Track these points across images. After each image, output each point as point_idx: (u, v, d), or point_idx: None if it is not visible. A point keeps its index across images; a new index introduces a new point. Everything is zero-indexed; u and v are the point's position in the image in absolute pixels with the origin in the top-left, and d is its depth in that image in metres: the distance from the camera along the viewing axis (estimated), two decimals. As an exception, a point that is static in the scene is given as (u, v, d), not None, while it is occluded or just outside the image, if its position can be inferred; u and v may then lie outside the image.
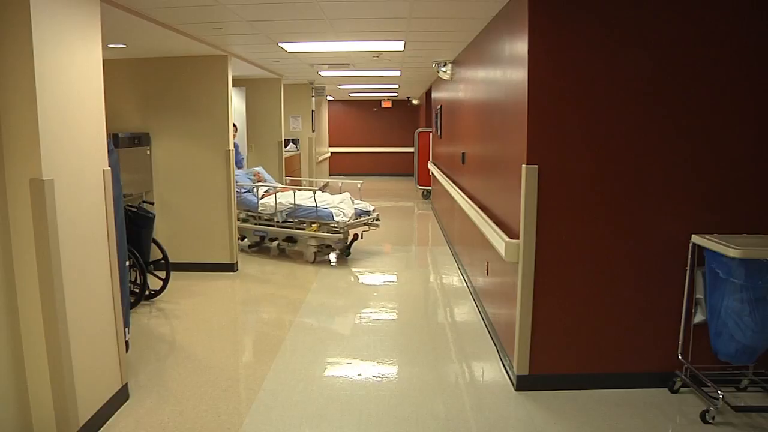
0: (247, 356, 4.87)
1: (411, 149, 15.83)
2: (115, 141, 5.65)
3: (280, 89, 9.93)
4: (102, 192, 3.57)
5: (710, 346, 3.79)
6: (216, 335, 5.13)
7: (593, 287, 3.94)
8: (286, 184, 9.37)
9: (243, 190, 8.06)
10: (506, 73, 4.49)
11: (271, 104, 9.86)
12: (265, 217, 7.99)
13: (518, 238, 3.91)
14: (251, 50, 6.94)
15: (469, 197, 6.02)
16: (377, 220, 7.97)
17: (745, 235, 3.77)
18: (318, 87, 11.98)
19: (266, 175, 8.85)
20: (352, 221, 7.52)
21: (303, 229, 7.60)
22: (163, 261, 6.04)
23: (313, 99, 12.17)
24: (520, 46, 3.95)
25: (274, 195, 7.97)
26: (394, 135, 18.63)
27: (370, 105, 18.53)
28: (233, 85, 7.32)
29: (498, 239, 4.21)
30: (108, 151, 3.69)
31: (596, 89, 3.78)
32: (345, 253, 7.75)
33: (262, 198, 7.98)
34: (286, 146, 10.73)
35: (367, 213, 7.91)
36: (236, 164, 7.88)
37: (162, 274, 6.03)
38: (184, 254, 6.92)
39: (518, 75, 4.01)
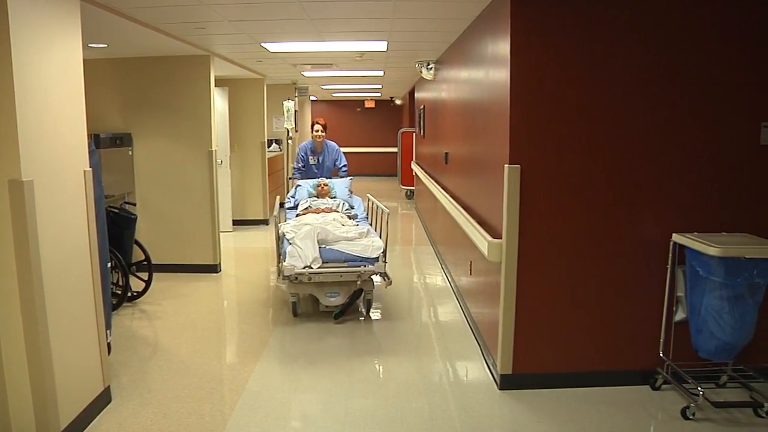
0: (230, 358, 4.85)
1: (394, 149, 15.83)
2: (96, 141, 5.59)
3: (263, 89, 9.89)
4: (83, 193, 3.54)
5: (691, 344, 3.83)
6: (199, 337, 5.10)
7: (576, 286, 3.97)
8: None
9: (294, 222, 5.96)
10: (489, 73, 4.51)
11: (254, 104, 9.82)
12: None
13: (501, 238, 3.93)
14: (234, 50, 6.91)
15: (452, 197, 6.03)
16: (385, 275, 5.35)
17: (725, 233, 3.81)
18: (301, 87, 11.95)
19: (339, 189, 6.95)
20: (315, 271, 5.07)
21: None
22: (145, 262, 5.99)
23: (296, 99, 12.13)
24: (502, 47, 3.97)
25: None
26: (378, 135, 18.64)
27: (354, 105, 18.53)
28: (216, 85, 7.28)
29: (481, 239, 4.22)
30: (89, 152, 3.66)
31: (578, 90, 3.81)
32: (334, 314, 5.42)
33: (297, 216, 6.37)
34: (269, 146, 10.69)
35: (368, 261, 5.22)
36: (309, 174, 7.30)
37: (144, 275, 5.99)
38: (166, 255, 6.87)
39: (500, 75, 4.03)
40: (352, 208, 6.65)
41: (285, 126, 10.52)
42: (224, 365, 4.63)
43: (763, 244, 3.58)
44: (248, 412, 3.75)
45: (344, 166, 7.44)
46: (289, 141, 10.47)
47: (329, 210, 6.27)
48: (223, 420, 3.64)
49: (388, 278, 5.35)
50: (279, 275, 5.45)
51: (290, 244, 5.24)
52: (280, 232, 5.74)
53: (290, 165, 10.86)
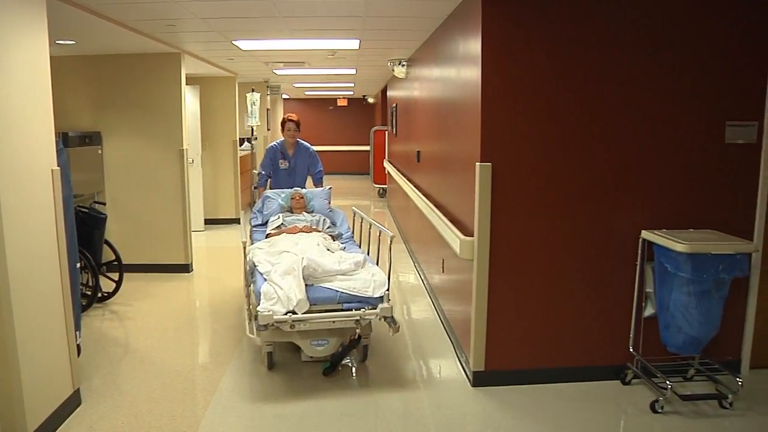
0: (203, 358, 4.81)
1: (367, 147, 15.83)
2: (64, 140, 5.50)
3: (235, 87, 9.82)
4: (51, 192, 3.49)
5: (660, 339, 3.90)
6: (171, 337, 5.05)
7: (547, 283, 4.01)
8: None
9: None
10: (460, 71, 4.53)
11: (226, 103, 9.74)
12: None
13: (473, 236, 3.95)
14: (205, 48, 6.85)
15: (424, 195, 6.05)
16: (392, 321, 4.05)
17: (692, 230, 3.88)
18: (273, 85, 11.89)
19: (317, 201, 5.93)
20: (300, 318, 3.87)
21: None
22: (115, 262, 5.92)
23: (268, 96, 12.07)
24: (473, 45, 3.99)
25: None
26: (350, 133, 18.61)
27: (326, 103, 18.48)
28: (187, 84, 7.21)
29: (453, 237, 4.24)
30: (57, 151, 3.60)
31: (549, 88, 3.84)
32: (323, 368, 4.25)
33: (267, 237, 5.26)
34: (240, 145, 10.62)
35: (369, 301, 4.06)
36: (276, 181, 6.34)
37: (115, 275, 5.91)
38: (137, 255, 6.79)
39: (472, 74, 4.05)
40: (334, 225, 5.60)
41: (248, 124, 8.23)
42: (197, 365, 4.60)
43: (729, 240, 3.66)
44: (221, 411, 3.73)
45: (320, 171, 6.43)
46: (253, 142, 7.70)
47: (309, 229, 5.17)
48: (195, 420, 3.61)
49: (395, 324, 4.04)
50: (249, 320, 4.35)
51: (265, 280, 4.08)
52: (249, 260, 4.63)
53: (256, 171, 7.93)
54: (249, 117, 7.12)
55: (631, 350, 4.04)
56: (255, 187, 6.58)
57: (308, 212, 5.65)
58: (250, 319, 4.36)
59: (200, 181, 9.30)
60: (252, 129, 7.31)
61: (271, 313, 3.80)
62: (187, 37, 6.08)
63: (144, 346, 4.83)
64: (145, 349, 4.75)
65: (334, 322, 3.95)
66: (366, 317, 4.00)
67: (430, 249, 6.12)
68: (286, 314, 3.83)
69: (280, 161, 6.30)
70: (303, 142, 6.40)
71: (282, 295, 3.86)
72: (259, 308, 3.86)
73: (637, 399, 3.86)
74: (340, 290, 4.02)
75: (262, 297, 3.90)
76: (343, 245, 5.09)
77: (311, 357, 4.23)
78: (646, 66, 3.85)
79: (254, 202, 6.38)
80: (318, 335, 4.01)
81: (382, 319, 4.04)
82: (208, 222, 9.65)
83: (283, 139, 6.32)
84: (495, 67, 3.80)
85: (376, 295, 4.02)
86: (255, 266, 4.42)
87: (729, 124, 3.93)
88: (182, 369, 4.40)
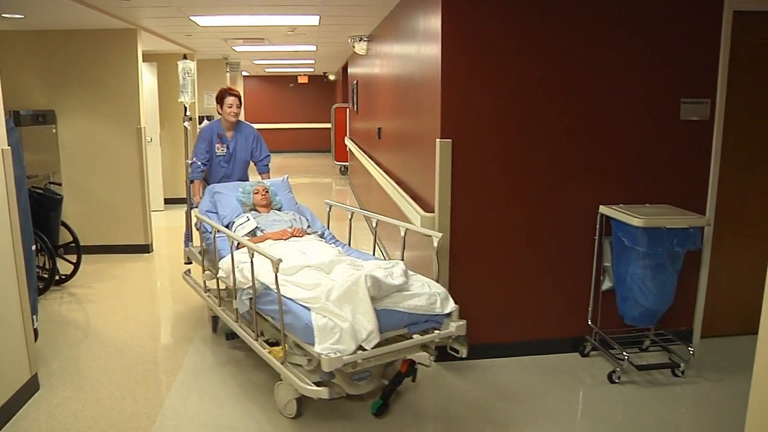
0: (165, 338, 4.77)
1: (328, 125, 15.74)
2: (15, 119, 5.34)
3: (194, 65, 9.61)
4: (1, 172, 3.39)
5: (617, 311, 3.99)
6: (133, 319, 4.99)
7: (507, 258, 4.05)
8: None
9: (213, 232, 4.15)
10: (420, 48, 4.52)
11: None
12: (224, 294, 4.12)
13: (433, 212, 3.97)
14: (162, 24, 6.71)
15: (385, 172, 6.05)
16: (461, 343, 3.35)
17: (648, 205, 3.97)
18: (233, 62, 11.70)
19: (283, 195, 4.84)
20: (373, 354, 2.99)
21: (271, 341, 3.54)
22: (73, 244, 5.81)
23: (228, 74, 11.88)
24: (433, 22, 3.98)
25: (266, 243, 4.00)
26: (311, 111, 18.46)
27: (287, 81, 18.26)
28: (144, 61, 7.06)
29: (414, 213, 4.26)
30: (7, 130, 3.50)
31: (508, 65, 3.86)
32: (372, 408, 3.40)
33: (238, 247, 3.85)
34: (200, 123, 10.45)
35: (433, 320, 3.28)
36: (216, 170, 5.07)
37: (73, 257, 5.80)
38: (96, 237, 6.68)
39: (432, 50, 4.04)
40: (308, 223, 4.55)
41: (180, 100, 5.44)
42: (159, 346, 4.56)
43: (683, 214, 3.75)
44: (185, 392, 3.71)
45: (267, 157, 5.23)
46: (186, 124, 5.39)
47: (300, 233, 4.20)
48: (159, 401, 3.59)
49: (466, 343, 3.36)
50: (293, 379, 3.14)
51: (309, 310, 3.05)
52: (258, 283, 3.40)
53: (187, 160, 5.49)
54: (182, 92, 4.98)
55: (589, 323, 4.13)
56: (190, 181, 5.00)
57: (276, 209, 4.62)
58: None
59: (159, 159, 9.15)
60: (185, 107, 5.27)
61: (339, 355, 2.84)
62: (142, 12, 5.93)
63: (104, 328, 4.77)
64: (105, 332, 4.69)
65: (401, 351, 3.18)
66: (441, 339, 3.28)
67: (391, 226, 6.12)
68: (355, 353, 2.90)
69: (217, 146, 4.99)
70: (246, 123, 5.25)
71: (347, 328, 2.90)
72: (318, 349, 2.87)
73: (595, 370, 3.96)
74: (408, 311, 3.15)
75: (316, 334, 2.92)
76: (339, 247, 4.22)
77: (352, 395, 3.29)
78: (604, 45, 3.90)
79: (189, 201, 5.06)
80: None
81: (451, 339, 3.32)
82: (168, 201, 9.51)
83: (219, 118, 5.12)
84: (455, 43, 3.79)
85: (446, 311, 3.28)
86: (266, 288, 3.35)
87: (683, 102, 4.01)
88: (144, 350, 4.37)
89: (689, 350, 3.94)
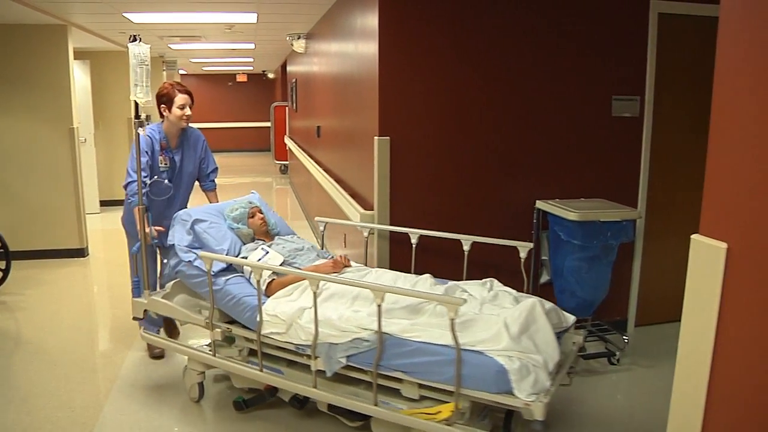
0: (102, 345, 4.64)
1: (267, 124, 15.62)
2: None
3: (128, 63, 9.39)
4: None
5: (555, 303, 4.08)
6: (68, 326, 4.84)
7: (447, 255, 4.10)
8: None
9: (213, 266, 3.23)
10: (358, 46, 4.53)
11: (119, 78, 9.28)
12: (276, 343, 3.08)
13: (372, 210, 3.99)
14: (93, 20, 6.51)
15: (325, 170, 6.04)
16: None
17: (583, 199, 4.09)
18: (169, 60, 11.47)
19: (271, 215, 4.02)
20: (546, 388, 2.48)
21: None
22: (1, 249, 5.59)
23: (164, 73, 11.64)
24: (371, 20, 4.00)
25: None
26: (250, 110, 18.30)
27: (225, 79, 18.00)
28: (75, 58, 6.85)
29: (353, 211, 4.26)
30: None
31: (445, 63, 3.90)
32: None
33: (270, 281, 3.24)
34: (137, 126, 10.22)
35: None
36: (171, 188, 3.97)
37: (1, 264, 5.57)
38: (26, 241, 6.44)
39: (369, 48, 4.06)
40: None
41: (133, 97, 3.72)
42: (96, 354, 4.43)
43: (616, 208, 3.88)
44: (124, 399, 3.62)
45: (215, 171, 4.32)
46: (139, 130, 3.70)
47: (347, 261, 3.50)
48: (96, 411, 3.48)
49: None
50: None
51: (480, 353, 2.54)
52: (366, 332, 2.74)
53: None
54: (138, 85, 3.76)
55: (528, 315, 4.21)
56: (131, 204, 3.83)
57: (274, 233, 3.88)
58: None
59: (94, 160, 8.88)
60: (137, 105, 3.88)
61: (544, 397, 2.44)
62: (72, 8, 5.75)
63: (38, 337, 4.60)
64: (39, 341, 4.53)
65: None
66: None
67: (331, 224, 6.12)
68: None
69: (160, 158, 3.94)
70: (193, 129, 4.16)
71: (542, 363, 2.51)
72: (523, 396, 2.41)
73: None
74: (557, 330, 2.83)
75: (513, 379, 2.43)
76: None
77: None
78: (539, 45, 3.99)
79: (138, 237, 3.63)
80: None
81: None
82: (104, 203, 9.25)
83: (160, 122, 4.01)
84: (392, 40, 3.82)
85: (570, 322, 3.05)
86: (393, 338, 2.68)
87: (615, 99, 4.15)
88: (80, 358, 4.24)
89: (624, 339, 4.08)
